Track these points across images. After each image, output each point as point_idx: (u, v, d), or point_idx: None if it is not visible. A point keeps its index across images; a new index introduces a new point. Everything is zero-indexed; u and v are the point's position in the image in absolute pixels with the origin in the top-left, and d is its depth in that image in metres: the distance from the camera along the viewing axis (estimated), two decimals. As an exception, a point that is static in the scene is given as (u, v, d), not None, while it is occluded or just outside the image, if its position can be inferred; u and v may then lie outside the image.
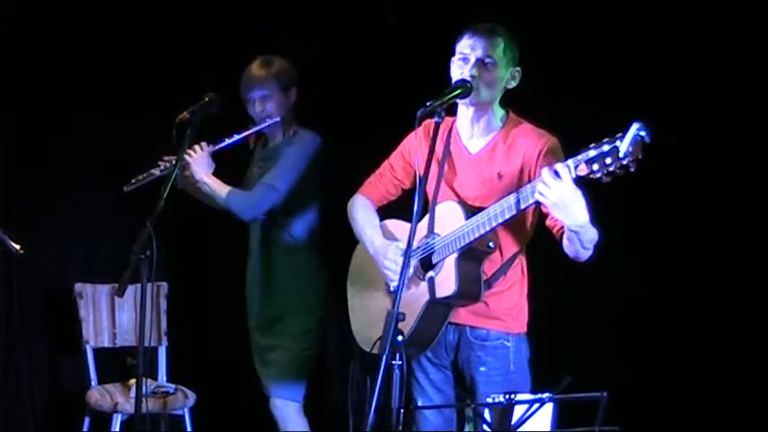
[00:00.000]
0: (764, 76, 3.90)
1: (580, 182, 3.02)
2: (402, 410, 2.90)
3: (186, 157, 4.08)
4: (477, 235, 3.17)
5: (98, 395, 4.68)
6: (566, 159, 2.96)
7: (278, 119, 4.20)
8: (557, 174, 2.92)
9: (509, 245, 3.32)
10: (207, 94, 3.75)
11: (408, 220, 3.31)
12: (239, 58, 4.27)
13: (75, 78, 4.83)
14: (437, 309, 3.32)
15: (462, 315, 3.34)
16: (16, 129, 4.84)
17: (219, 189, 4.16)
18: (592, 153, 2.85)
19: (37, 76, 4.81)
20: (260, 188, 4.16)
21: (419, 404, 3.44)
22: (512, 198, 3.09)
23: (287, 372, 4.21)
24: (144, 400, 3.51)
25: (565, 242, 3.13)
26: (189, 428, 4.74)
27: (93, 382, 4.79)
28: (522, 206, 3.07)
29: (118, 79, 4.86)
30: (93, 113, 4.87)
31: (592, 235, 3.07)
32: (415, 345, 3.34)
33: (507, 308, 3.35)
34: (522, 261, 3.38)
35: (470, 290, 3.26)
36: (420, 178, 3.07)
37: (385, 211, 3.61)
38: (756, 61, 3.90)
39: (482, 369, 3.34)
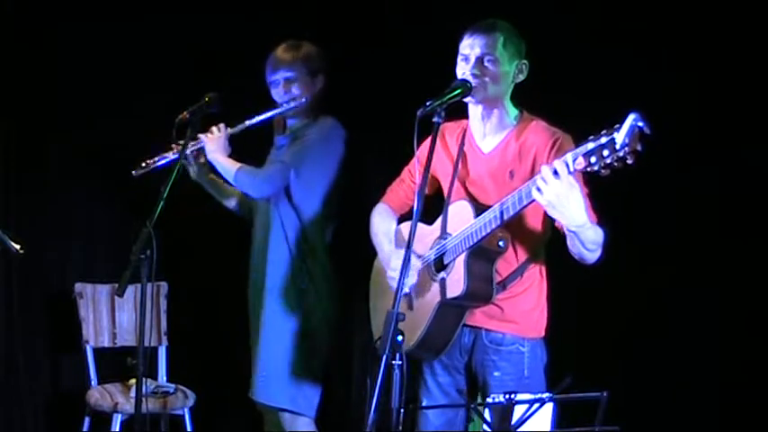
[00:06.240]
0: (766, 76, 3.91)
1: (583, 180, 3.02)
2: (402, 410, 2.89)
3: (202, 137, 4.01)
4: (484, 233, 3.14)
5: (98, 395, 4.68)
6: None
7: (303, 101, 4.04)
8: (555, 172, 2.87)
9: (523, 246, 3.29)
10: (207, 94, 3.72)
11: (428, 222, 3.31)
12: (241, 55, 4.26)
13: (76, 78, 4.83)
14: (449, 311, 3.29)
15: (478, 318, 3.32)
16: (17, 129, 4.84)
17: (229, 166, 4.02)
18: (590, 146, 2.79)
19: (37, 76, 4.81)
20: (270, 165, 4.06)
21: (424, 405, 3.42)
22: (515, 195, 3.05)
23: (286, 376, 4.07)
24: (144, 400, 3.51)
25: (569, 243, 3.09)
26: (189, 428, 4.74)
27: (93, 382, 4.79)
28: (525, 202, 3.02)
29: (118, 79, 4.85)
30: (93, 113, 4.86)
31: (593, 236, 3.02)
32: (429, 348, 3.32)
33: (523, 311, 3.32)
34: (540, 264, 3.35)
35: (481, 290, 3.22)
36: (420, 178, 3.06)
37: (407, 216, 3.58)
38: (759, 61, 3.90)
39: (496, 374, 3.30)
